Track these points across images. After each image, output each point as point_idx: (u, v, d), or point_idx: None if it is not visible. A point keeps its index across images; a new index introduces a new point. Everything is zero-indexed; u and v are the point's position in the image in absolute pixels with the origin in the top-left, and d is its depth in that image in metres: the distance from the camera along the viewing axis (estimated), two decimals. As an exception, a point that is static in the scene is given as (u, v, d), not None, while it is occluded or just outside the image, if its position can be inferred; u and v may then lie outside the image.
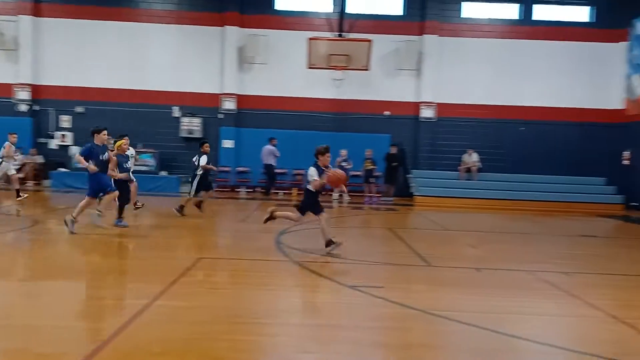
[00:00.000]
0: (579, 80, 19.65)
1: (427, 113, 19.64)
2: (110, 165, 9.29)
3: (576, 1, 19.90)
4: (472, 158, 18.82)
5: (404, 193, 18.93)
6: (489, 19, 19.94)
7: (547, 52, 19.62)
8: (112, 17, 19.43)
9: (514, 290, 6.39)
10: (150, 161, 18.36)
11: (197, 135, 19.32)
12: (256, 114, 19.61)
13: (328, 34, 18.22)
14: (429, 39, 19.49)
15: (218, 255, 8.12)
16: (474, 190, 17.85)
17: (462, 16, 19.89)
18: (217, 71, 19.55)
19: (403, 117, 19.81)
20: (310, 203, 7.82)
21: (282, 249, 8.25)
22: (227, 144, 19.37)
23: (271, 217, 8.10)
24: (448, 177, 18.88)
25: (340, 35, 18.16)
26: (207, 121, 19.50)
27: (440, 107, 19.63)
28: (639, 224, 14.87)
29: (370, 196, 18.04)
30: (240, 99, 19.55)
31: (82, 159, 8.68)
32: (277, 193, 18.08)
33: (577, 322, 5.24)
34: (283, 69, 19.38)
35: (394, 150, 18.59)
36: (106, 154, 9.00)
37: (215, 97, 19.53)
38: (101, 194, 8.93)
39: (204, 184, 11.64)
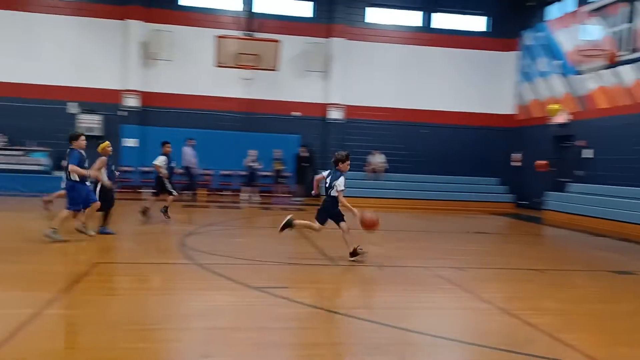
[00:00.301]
0: (476, 86, 20.87)
1: (335, 114, 19.99)
2: (97, 167, 8.91)
3: (473, 11, 21.13)
4: (377, 159, 19.41)
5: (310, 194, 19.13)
6: (393, 25, 20.66)
7: (447, 58, 20.66)
8: (3, 6, 17.98)
9: (413, 286, 6.66)
10: (44, 160, 17.22)
11: (97, 133, 18.34)
12: (162, 112, 18.97)
13: (236, 33, 18.04)
14: (337, 42, 19.85)
15: (117, 260, 7.76)
16: (381, 190, 18.41)
17: (366, 21, 20.44)
18: (119, 66, 18.68)
19: (312, 118, 20.03)
20: (335, 212, 7.76)
21: (186, 251, 8.04)
22: (130, 142, 18.56)
23: (288, 225, 7.75)
24: (356, 177, 19.29)
25: (249, 35, 18.04)
26: (108, 118, 18.57)
27: (348, 109, 20.06)
28: (527, 221, 16.05)
29: (279, 196, 18.10)
30: (145, 96, 18.81)
31: (78, 168, 8.02)
32: (186, 193, 17.57)
33: (468, 314, 5.56)
34: (190, 67, 18.88)
35: (304, 151, 18.76)
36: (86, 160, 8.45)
37: (117, 94, 18.66)
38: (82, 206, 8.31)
39: (162, 185, 11.35)
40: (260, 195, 17.93)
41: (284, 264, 7.59)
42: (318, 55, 19.63)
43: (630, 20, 10.26)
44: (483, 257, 9.27)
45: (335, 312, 5.17)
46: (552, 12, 19.19)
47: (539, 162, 17.77)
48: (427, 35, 20.68)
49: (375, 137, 20.08)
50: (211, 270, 6.73)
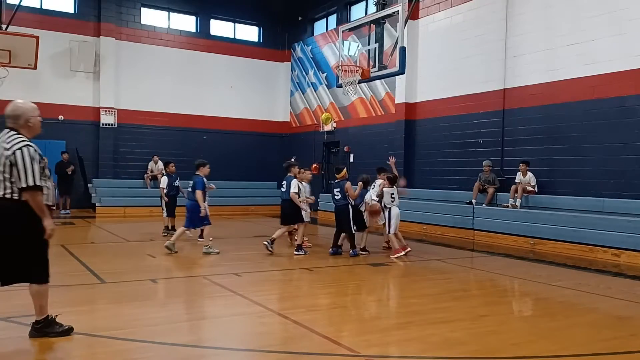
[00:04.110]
0: (254, 94, 21.55)
1: (107, 119, 18.71)
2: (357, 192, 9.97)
3: (246, 21, 21.78)
4: (158, 166, 18.74)
5: (85, 204, 17.66)
6: (171, 28, 20.18)
7: (226, 65, 20.93)
8: None
9: (188, 297, 6.56)
10: None
11: None
12: None
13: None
14: (106, 42, 18.63)
15: None
16: (158, 198, 17.73)
17: (142, 22, 19.63)
18: None
19: (81, 122, 18.46)
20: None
21: None
22: None
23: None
24: (133, 185, 18.38)
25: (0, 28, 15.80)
26: None
27: (122, 113, 18.98)
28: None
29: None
30: None
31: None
32: None
33: (239, 320, 5.64)
34: None
35: (65, 157, 17.17)
36: None
37: None
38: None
39: None
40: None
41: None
42: (85, 54, 18.17)
43: (380, 40, 11.61)
44: (260, 260, 9.53)
45: (95, 335, 4.78)
46: (319, 27, 20.84)
47: (314, 165, 19.14)
48: (205, 41, 20.69)
49: (152, 142, 19.36)
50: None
